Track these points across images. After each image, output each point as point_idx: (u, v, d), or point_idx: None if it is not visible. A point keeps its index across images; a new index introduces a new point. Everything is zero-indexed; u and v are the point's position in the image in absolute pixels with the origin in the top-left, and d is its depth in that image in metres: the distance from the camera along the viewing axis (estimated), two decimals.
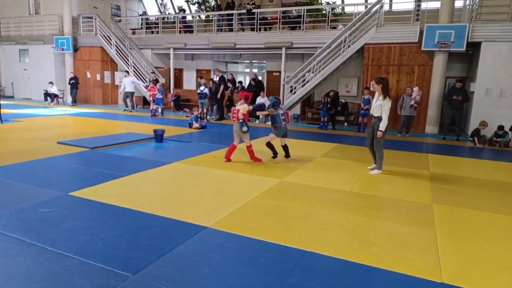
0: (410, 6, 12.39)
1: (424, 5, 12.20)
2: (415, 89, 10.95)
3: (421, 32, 11.29)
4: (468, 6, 12.10)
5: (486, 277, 2.84)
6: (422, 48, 11.31)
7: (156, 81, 13.66)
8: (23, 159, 5.93)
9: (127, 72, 14.97)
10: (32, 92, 18.12)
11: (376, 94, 5.89)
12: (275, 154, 6.71)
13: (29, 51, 18.21)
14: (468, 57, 12.14)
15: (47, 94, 16.27)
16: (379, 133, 5.80)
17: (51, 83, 16.31)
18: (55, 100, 16.20)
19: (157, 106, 13.15)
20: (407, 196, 4.83)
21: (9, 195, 4.27)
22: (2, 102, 10.50)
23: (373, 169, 6.10)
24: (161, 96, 13.19)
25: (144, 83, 15.30)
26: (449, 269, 2.92)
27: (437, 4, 11.72)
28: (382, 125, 5.73)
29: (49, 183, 4.74)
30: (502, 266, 3.03)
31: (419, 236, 3.57)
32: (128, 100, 14.67)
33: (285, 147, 6.85)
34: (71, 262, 2.78)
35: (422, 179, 5.85)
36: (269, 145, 6.71)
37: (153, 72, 15.62)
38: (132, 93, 14.60)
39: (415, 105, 10.66)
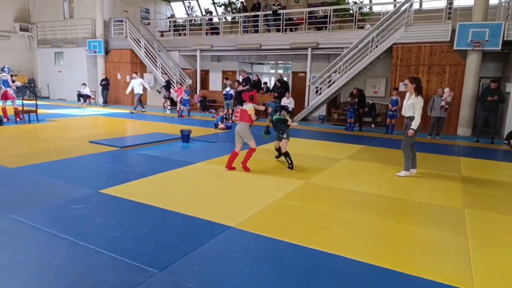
0: (442, 4, 11.99)
1: (456, 3, 11.76)
2: (446, 90, 10.59)
3: (453, 31, 10.90)
4: (504, 3, 11.56)
5: None
6: (454, 48, 10.90)
7: (182, 83, 14.03)
8: (57, 157, 6.19)
9: (136, 73, 15.15)
10: (66, 93, 18.90)
11: (407, 94, 5.83)
12: (291, 164, 6.09)
13: (63, 54, 19.02)
14: (504, 56, 11.59)
15: (80, 95, 16.92)
16: (410, 131, 5.70)
17: (84, 84, 16.94)
18: (87, 101, 16.83)
19: (184, 107, 13.40)
20: (437, 200, 4.68)
21: (44, 191, 4.47)
22: (39, 102, 11.00)
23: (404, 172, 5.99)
24: (187, 97, 13.43)
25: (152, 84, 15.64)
26: (480, 277, 2.81)
27: (470, 2, 11.28)
28: (415, 124, 5.66)
29: (81, 181, 4.93)
30: None
31: (449, 241, 3.45)
32: (135, 101, 14.53)
33: (280, 150, 6.45)
34: (101, 257, 2.88)
35: (453, 182, 5.64)
36: (286, 154, 6.17)
37: (168, 79, 15.62)
38: (141, 94, 14.54)
39: (446, 106, 10.30)
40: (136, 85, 14.43)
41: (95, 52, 17.45)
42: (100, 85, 16.81)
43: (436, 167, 6.63)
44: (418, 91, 5.67)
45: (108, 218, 3.71)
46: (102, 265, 2.76)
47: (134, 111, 14.01)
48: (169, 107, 15.18)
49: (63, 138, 8.07)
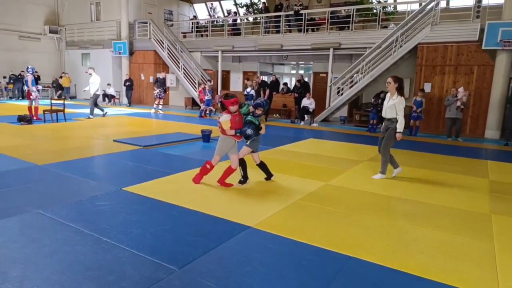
0: (470, 2, 11.62)
1: (485, 1, 11.37)
2: (461, 89, 10.23)
3: (481, 30, 10.53)
4: None
5: None
6: (483, 47, 10.54)
7: (204, 83, 14.03)
8: (82, 155, 6.39)
9: (92, 68, 11.97)
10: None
11: (388, 95, 5.55)
12: (245, 178, 5.10)
13: (90, 55, 19.62)
14: None
15: (105, 95, 17.39)
16: (398, 135, 5.38)
17: (109, 84, 17.41)
18: (112, 101, 17.27)
19: (206, 107, 13.51)
20: (462, 205, 4.54)
21: (69, 188, 4.63)
22: (66, 102, 11.38)
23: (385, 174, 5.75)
24: (209, 97, 13.51)
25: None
26: (508, 285, 2.70)
27: (500, 0, 10.87)
28: (400, 126, 5.35)
29: (105, 178, 5.08)
30: None
31: (474, 247, 3.33)
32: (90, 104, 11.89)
33: (262, 165, 5.21)
34: (123, 253, 2.95)
35: (479, 186, 5.45)
36: (242, 163, 5.06)
37: (161, 76, 14.81)
38: (98, 96, 11.78)
39: (462, 106, 9.97)
40: (93, 83, 11.49)
41: (120, 53, 17.91)
42: (124, 85, 17.22)
43: (462, 171, 6.43)
44: (401, 91, 5.39)
45: (130, 215, 3.79)
46: (124, 261, 2.83)
47: (91, 116, 11.63)
48: (159, 106, 14.23)
49: (89, 137, 8.32)
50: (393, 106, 5.38)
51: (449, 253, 3.19)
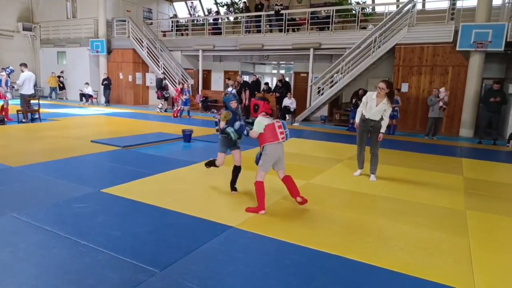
0: (445, 4, 11.98)
1: (459, 4, 11.74)
2: (442, 89, 10.55)
3: (456, 32, 10.87)
4: (507, 4, 11.53)
5: None
6: (457, 48, 10.88)
7: (181, 82, 13.90)
8: (59, 156, 6.21)
9: (24, 65, 10.29)
10: (69, 93, 18.95)
11: (377, 98, 5.40)
12: (208, 164, 4.91)
13: (66, 53, 19.08)
14: (507, 57, 11.55)
15: (82, 95, 16.96)
16: (381, 136, 5.46)
17: (87, 83, 16.99)
18: (89, 100, 16.87)
19: (183, 106, 13.29)
20: (439, 202, 4.67)
21: (46, 190, 4.49)
22: (41, 102, 11.02)
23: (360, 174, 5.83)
24: (187, 97, 13.33)
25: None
26: (482, 279, 2.80)
27: (473, 3, 11.24)
28: (385, 126, 5.47)
29: (83, 180, 4.94)
30: None
31: (451, 243, 3.44)
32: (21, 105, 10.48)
33: (236, 170, 4.71)
34: (102, 256, 2.88)
35: (455, 184, 5.62)
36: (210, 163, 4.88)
37: (161, 78, 15.13)
38: (26, 96, 10.27)
39: (444, 106, 10.29)
40: (22, 81, 10.07)
41: (97, 51, 17.50)
42: (102, 84, 16.86)
43: (438, 169, 6.61)
44: (391, 97, 5.39)
45: (110, 217, 3.71)
46: (103, 264, 2.77)
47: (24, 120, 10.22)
48: (163, 108, 14.65)
49: (65, 137, 8.10)
50: (382, 112, 5.42)
51: (427, 249, 3.27)
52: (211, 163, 4.89)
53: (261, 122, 3.96)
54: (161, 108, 14.70)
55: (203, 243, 3.18)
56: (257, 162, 4.16)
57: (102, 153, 6.69)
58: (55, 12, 19.12)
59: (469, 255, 3.20)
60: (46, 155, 6.29)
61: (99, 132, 9.07)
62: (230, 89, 12.79)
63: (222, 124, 4.40)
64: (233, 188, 4.73)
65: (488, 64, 11.30)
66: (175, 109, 13.43)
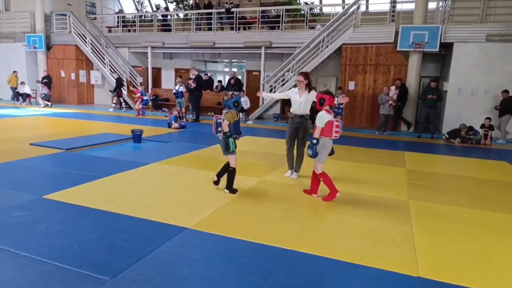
0: (386, 7, 12.67)
1: (399, 6, 12.49)
2: (392, 88, 11.20)
3: (396, 33, 11.56)
4: (441, 8, 12.48)
5: (460, 270, 2.94)
6: (398, 49, 11.58)
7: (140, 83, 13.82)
8: None
9: None
10: (3, 92, 17.40)
11: (298, 91, 5.26)
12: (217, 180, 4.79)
13: None
14: (441, 57, 12.52)
15: (18, 94, 15.67)
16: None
17: (23, 82, 15.73)
18: (27, 100, 15.64)
19: (144, 106, 13.25)
20: (385, 193, 4.94)
21: None
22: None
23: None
24: (146, 97, 13.35)
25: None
26: (425, 263, 3.01)
27: (411, 6, 12.03)
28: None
29: (22, 186, 4.57)
30: (476, 259, 3.14)
31: (396, 232, 3.65)
32: None
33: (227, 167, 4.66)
34: (45, 268, 2.68)
35: (398, 175, 5.99)
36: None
37: (118, 77, 14.91)
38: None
39: (393, 104, 10.92)
40: None
41: (35, 47, 16.27)
42: (42, 82, 15.68)
43: (383, 162, 7.00)
44: (310, 87, 5.24)
45: (53, 225, 3.47)
46: (47, 276, 2.58)
47: None
48: (116, 107, 14.67)
49: (0, 140, 7.43)
50: (309, 102, 5.23)
51: (375, 239, 3.45)
52: (220, 174, 4.71)
53: (324, 118, 4.35)
54: (114, 108, 14.55)
55: (157, 247, 3.08)
56: (313, 155, 4.39)
57: (43, 157, 6.23)
58: None
59: (413, 242, 3.42)
60: None
61: (39, 134, 8.44)
62: (177, 87, 12.57)
63: (226, 124, 4.31)
64: (217, 180, 4.72)
65: (425, 63, 12.18)
66: (138, 108, 13.30)
